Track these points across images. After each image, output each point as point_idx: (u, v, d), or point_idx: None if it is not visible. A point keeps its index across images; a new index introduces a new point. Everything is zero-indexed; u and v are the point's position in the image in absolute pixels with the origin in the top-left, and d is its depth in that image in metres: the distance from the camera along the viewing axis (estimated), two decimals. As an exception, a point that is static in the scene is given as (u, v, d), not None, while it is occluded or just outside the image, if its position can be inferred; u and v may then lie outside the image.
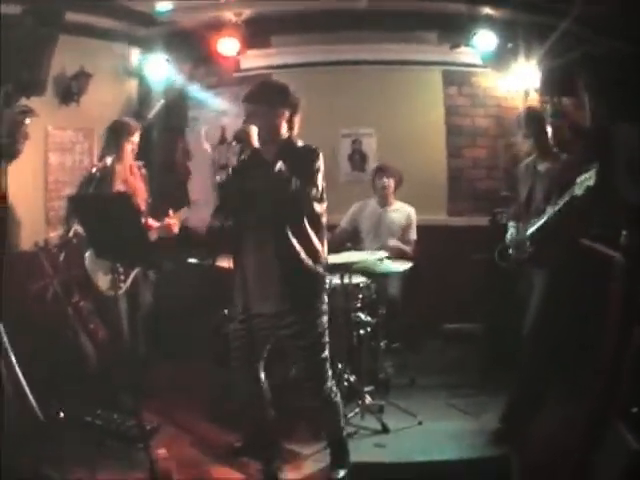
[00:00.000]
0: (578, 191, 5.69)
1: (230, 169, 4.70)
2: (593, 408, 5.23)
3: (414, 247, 7.73)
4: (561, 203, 5.86)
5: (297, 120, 5.06)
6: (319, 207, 4.94)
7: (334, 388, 5.18)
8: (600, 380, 5.25)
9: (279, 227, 4.80)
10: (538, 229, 6.07)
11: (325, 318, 5.06)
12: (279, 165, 4.60)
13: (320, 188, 4.85)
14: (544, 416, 6.04)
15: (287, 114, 4.97)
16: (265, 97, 4.93)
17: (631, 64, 7.10)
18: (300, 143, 5.01)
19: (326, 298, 5.11)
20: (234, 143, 4.71)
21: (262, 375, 5.26)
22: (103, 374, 6.45)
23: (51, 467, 5.20)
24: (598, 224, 6.64)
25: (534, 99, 8.25)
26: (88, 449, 5.63)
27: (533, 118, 6.31)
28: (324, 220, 5.07)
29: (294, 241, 4.81)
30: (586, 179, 5.64)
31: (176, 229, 6.54)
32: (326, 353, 5.07)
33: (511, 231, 6.38)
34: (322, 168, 4.89)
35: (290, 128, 5.02)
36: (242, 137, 4.68)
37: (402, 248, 7.54)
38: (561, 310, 6.01)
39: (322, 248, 5.03)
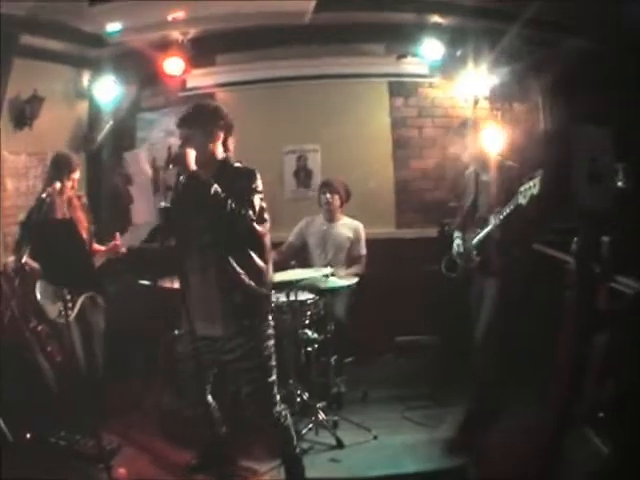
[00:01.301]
0: (522, 200, 5.73)
1: (170, 193, 4.78)
2: (554, 415, 5.29)
3: (364, 262, 7.73)
4: (505, 212, 5.92)
5: (232, 141, 5.09)
6: (260, 227, 4.91)
7: (283, 412, 5.15)
8: (559, 387, 5.30)
9: (219, 250, 4.79)
10: (483, 238, 6.11)
11: (271, 342, 5.04)
12: (214, 187, 4.61)
13: (258, 208, 4.82)
14: (501, 425, 6.01)
15: (222, 136, 5.00)
16: (199, 120, 4.94)
17: (588, 63, 7.15)
18: (237, 164, 5.00)
19: (271, 320, 5.09)
20: (171, 166, 4.77)
21: (209, 398, 5.29)
22: (63, 395, 6.48)
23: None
24: (551, 229, 6.69)
25: (484, 107, 8.29)
26: (53, 469, 5.64)
27: (469, 126, 6.35)
28: (267, 240, 5.04)
29: (234, 264, 4.80)
30: (530, 187, 5.68)
31: (123, 249, 6.66)
32: (273, 377, 5.03)
33: (457, 241, 6.41)
34: (260, 188, 4.88)
35: (226, 149, 5.04)
36: (179, 160, 4.72)
37: (353, 272, 7.48)
38: (512, 317, 6.04)
39: (266, 268, 4.99)
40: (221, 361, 5.11)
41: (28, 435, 6.01)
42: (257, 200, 4.83)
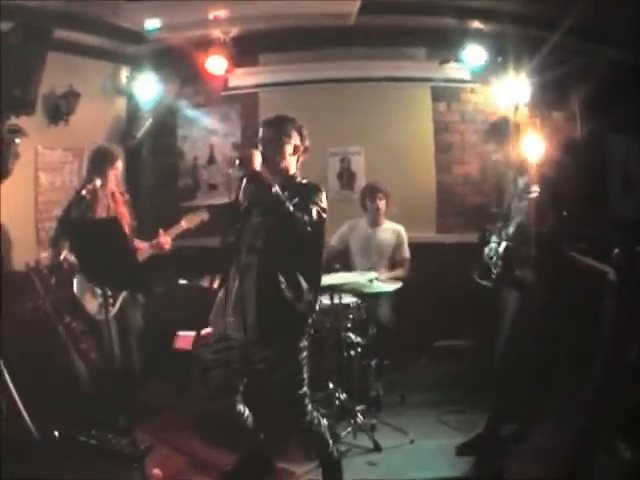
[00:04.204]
0: (523, 218, 5.82)
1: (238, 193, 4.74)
2: (587, 423, 5.25)
3: (408, 266, 7.72)
4: (512, 227, 5.95)
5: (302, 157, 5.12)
6: (314, 240, 4.88)
7: (315, 420, 5.07)
8: (594, 395, 5.27)
9: (268, 258, 4.76)
10: (505, 250, 6.06)
11: (304, 354, 4.94)
12: (276, 188, 4.56)
13: (316, 219, 4.75)
14: (534, 432, 6.05)
15: (297, 152, 5.05)
16: (281, 129, 4.99)
17: (626, 75, 7.12)
18: (305, 180, 5.02)
19: (306, 337, 4.97)
20: (237, 164, 4.68)
21: (240, 407, 5.17)
22: (96, 394, 6.45)
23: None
24: (587, 238, 6.65)
25: (523, 114, 8.22)
26: (83, 469, 5.57)
27: (504, 130, 6.29)
28: (319, 260, 5.02)
29: (279, 274, 4.74)
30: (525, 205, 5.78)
31: (168, 246, 6.58)
32: (303, 390, 4.95)
33: (491, 246, 6.34)
34: (323, 204, 4.84)
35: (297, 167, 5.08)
36: (245, 160, 4.61)
37: (395, 276, 7.43)
38: (531, 334, 5.97)
39: (308, 288, 4.87)
40: (252, 371, 4.98)
41: (57, 433, 5.90)
42: (315, 212, 4.73)
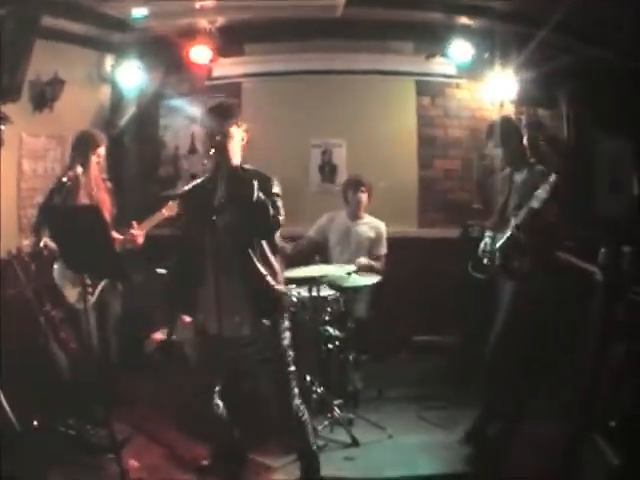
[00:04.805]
0: (535, 204, 5.73)
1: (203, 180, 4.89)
2: (572, 424, 5.25)
3: (383, 261, 7.65)
4: (521, 216, 5.90)
5: None
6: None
7: (302, 406, 5.11)
8: (579, 395, 5.26)
9: (243, 248, 4.80)
10: (505, 241, 6.06)
11: (288, 334, 5.03)
12: (257, 186, 4.61)
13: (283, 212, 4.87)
14: (516, 432, 6.02)
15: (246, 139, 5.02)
16: (237, 117, 4.96)
17: (614, 73, 7.11)
18: (250, 167, 4.97)
19: (287, 316, 5.08)
20: (212, 152, 4.72)
21: (217, 400, 5.16)
22: (75, 383, 6.41)
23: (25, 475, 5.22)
24: (573, 237, 6.66)
25: (509, 110, 8.22)
26: (61, 458, 5.61)
27: (509, 127, 6.29)
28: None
29: (256, 262, 4.82)
30: (543, 191, 5.69)
31: (141, 240, 6.52)
32: (292, 368, 5.01)
33: (486, 241, 6.35)
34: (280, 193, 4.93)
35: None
36: (221, 150, 4.69)
37: (371, 265, 7.43)
38: (526, 323, 5.98)
39: (280, 267, 5.06)
40: (238, 356, 5.03)
41: (35, 423, 5.88)
42: (279, 201, 4.84)
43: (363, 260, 7.36)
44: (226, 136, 4.78)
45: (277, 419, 5.30)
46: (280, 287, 4.97)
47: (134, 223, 6.50)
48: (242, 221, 4.74)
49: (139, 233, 6.49)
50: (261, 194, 4.63)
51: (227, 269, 4.78)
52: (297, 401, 5.07)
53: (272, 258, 4.94)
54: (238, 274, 4.81)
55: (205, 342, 5.02)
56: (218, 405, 5.17)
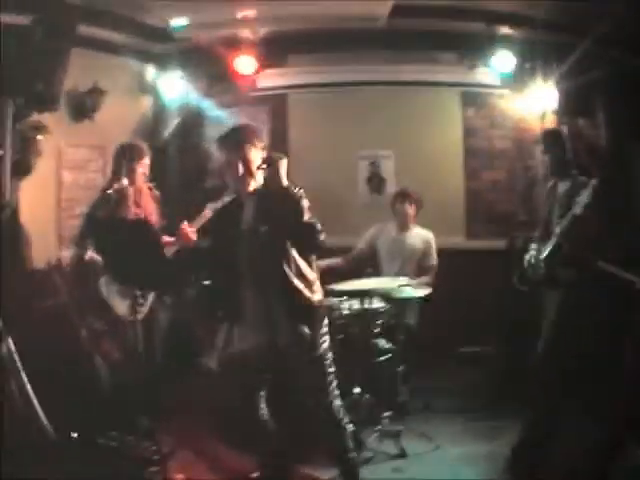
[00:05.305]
0: (577, 210, 5.68)
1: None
2: (613, 434, 5.21)
3: (434, 272, 7.64)
4: (564, 224, 5.85)
5: None
6: None
7: (342, 409, 5.04)
8: (621, 406, 5.22)
9: (278, 264, 4.82)
10: (551, 251, 6.02)
11: (327, 337, 4.99)
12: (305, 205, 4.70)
13: None
14: (560, 442, 5.94)
15: None
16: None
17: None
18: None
19: (326, 324, 5.04)
20: (264, 167, 4.79)
21: (262, 408, 5.15)
22: (117, 395, 6.37)
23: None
24: (617, 247, 6.61)
25: (551, 120, 8.20)
26: (101, 472, 5.47)
27: (554, 137, 6.27)
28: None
29: (292, 277, 4.84)
30: (584, 197, 5.65)
31: (194, 236, 6.32)
32: (332, 369, 4.97)
33: (531, 253, 6.31)
34: None
35: None
36: (273, 169, 4.73)
37: (422, 282, 7.33)
38: (571, 335, 5.94)
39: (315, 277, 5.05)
40: (279, 362, 5.03)
41: (74, 435, 5.79)
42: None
43: (414, 281, 7.20)
44: (247, 162, 4.87)
45: (317, 422, 5.20)
46: (317, 297, 4.95)
47: (185, 222, 6.43)
48: (277, 239, 4.79)
49: (191, 230, 6.37)
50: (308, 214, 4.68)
51: (261, 284, 4.86)
52: (338, 402, 5.03)
53: (307, 269, 4.94)
54: (272, 288, 4.85)
55: (246, 351, 5.02)
56: (263, 410, 5.14)
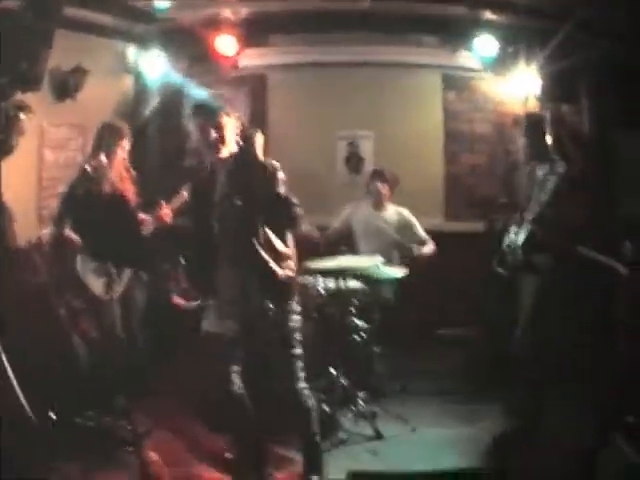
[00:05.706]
0: (545, 197, 5.81)
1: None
2: (592, 421, 5.22)
3: (431, 242, 7.63)
4: (536, 209, 5.91)
5: None
6: None
7: (306, 392, 5.06)
8: (600, 392, 5.25)
9: (247, 237, 4.85)
10: (527, 238, 6.04)
11: (296, 316, 5.04)
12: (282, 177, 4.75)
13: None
14: (543, 428, 5.99)
15: None
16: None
17: (637, 69, 7.07)
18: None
19: (295, 300, 5.09)
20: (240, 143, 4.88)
21: (237, 380, 5.12)
22: (95, 375, 6.37)
23: (42, 468, 5.12)
24: (595, 232, 6.62)
25: (533, 105, 8.20)
26: (79, 450, 5.52)
27: (534, 121, 6.29)
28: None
29: (260, 249, 4.86)
30: (551, 183, 5.78)
31: (169, 219, 6.47)
32: (297, 351, 5.00)
33: (511, 237, 6.33)
34: None
35: None
36: (249, 143, 4.78)
37: (426, 252, 7.50)
38: (549, 319, 5.98)
39: (293, 252, 5.15)
40: (249, 339, 5.06)
41: (53, 415, 5.78)
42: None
43: (417, 250, 7.43)
44: (220, 128, 4.88)
45: (286, 405, 5.22)
46: (286, 272, 4.96)
47: (162, 202, 6.49)
48: (249, 210, 4.81)
49: (167, 212, 6.46)
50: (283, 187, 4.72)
51: (234, 257, 4.89)
52: (301, 384, 5.04)
53: (279, 244, 4.95)
54: (244, 262, 4.88)
55: (219, 325, 5.07)
56: (238, 385, 5.11)
